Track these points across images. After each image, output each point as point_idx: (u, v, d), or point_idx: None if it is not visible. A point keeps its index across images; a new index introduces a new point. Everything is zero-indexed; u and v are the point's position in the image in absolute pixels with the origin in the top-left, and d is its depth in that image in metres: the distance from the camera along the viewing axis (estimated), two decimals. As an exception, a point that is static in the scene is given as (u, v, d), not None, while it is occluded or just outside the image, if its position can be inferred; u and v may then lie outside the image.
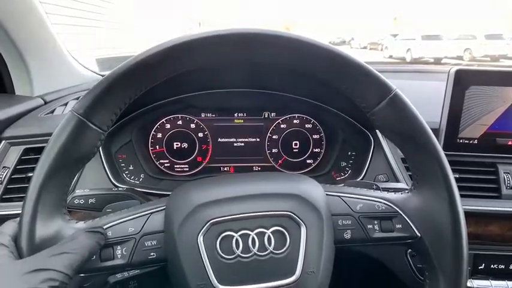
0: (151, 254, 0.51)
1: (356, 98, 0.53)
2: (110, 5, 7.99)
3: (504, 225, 0.86)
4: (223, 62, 0.52)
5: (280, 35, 0.49)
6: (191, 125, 1.00)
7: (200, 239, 0.49)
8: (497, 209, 0.84)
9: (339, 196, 0.57)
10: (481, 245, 0.88)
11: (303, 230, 0.51)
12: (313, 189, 0.56)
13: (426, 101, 0.88)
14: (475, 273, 0.88)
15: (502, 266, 0.88)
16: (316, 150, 1.03)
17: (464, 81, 0.83)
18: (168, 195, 0.56)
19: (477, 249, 0.88)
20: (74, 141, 0.46)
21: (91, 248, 0.46)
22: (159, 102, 0.96)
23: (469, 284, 0.86)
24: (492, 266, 0.88)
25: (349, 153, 0.99)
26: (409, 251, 0.85)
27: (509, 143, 0.86)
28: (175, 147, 1.00)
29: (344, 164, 1.00)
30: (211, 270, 0.48)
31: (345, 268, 0.67)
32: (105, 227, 0.50)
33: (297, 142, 1.03)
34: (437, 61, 11.64)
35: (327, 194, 0.56)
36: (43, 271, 0.39)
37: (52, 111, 0.97)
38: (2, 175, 0.81)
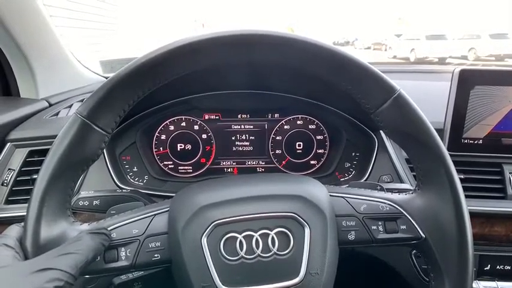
0: (156, 255, 0.51)
1: (360, 99, 0.53)
2: (113, 7, 8.04)
3: (510, 225, 0.86)
4: (227, 63, 0.52)
5: (284, 36, 0.49)
6: (195, 126, 1.00)
7: (204, 240, 0.49)
8: (502, 209, 0.84)
9: (342, 197, 0.57)
10: (486, 245, 0.87)
11: (307, 231, 0.51)
12: (317, 190, 0.56)
13: (430, 101, 0.88)
14: (481, 275, 0.88)
15: (508, 267, 0.87)
16: (320, 151, 1.03)
17: (468, 81, 0.82)
18: (172, 196, 0.56)
19: (483, 250, 0.87)
20: (78, 144, 0.47)
21: (95, 248, 0.46)
22: (162, 104, 0.96)
23: (474, 286, 0.85)
24: (498, 267, 0.88)
25: (353, 153, 0.99)
26: (413, 251, 0.85)
27: (515, 143, 0.85)
28: (179, 149, 1.00)
29: (348, 164, 0.99)
30: (215, 271, 0.48)
31: (349, 269, 0.66)
32: (109, 228, 0.50)
33: (301, 143, 1.03)
34: (442, 61, 11.59)
35: (330, 195, 0.56)
36: (48, 271, 0.39)
37: (57, 114, 0.98)
38: (8, 177, 0.82)
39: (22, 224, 0.47)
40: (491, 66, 0.89)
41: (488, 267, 0.87)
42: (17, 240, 0.45)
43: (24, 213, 0.46)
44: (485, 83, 0.82)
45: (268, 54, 0.51)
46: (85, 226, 0.50)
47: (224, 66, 0.55)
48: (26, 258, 0.44)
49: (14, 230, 0.46)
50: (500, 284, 0.86)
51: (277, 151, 1.03)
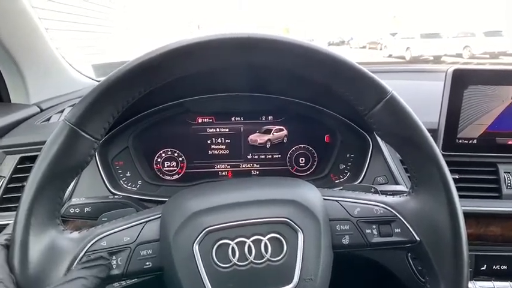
0: (147, 263, 0.50)
1: (352, 101, 0.53)
2: (108, 10, 8.02)
3: (505, 225, 0.85)
4: (220, 66, 0.51)
5: (277, 39, 0.48)
6: (186, 130, 0.99)
7: (196, 247, 0.48)
8: (498, 209, 0.83)
9: (336, 200, 0.56)
10: (482, 245, 0.87)
11: (300, 236, 0.50)
12: (310, 194, 0.55)
13: (425, 101, 0.88)
14: (477, 275, 0.87)
15: (505, 267, 0.87)
16: (314, 153, 1.03)
17: (462, 81, 0.82)
18: (166, 201, 0.56)
19: (479, 250, 0.87)
20: (66, 151, 0.46)
21: (92, 286, 0.44)
22: (155, 107, 0.95)
23: (471, 286, 0.85)
24: (494, 266, 0.87)
25: (347, 155, 0.99)
26: (409, 253, 0.84)
27: (509, 142, 0.85)
28: (170, 152, 0.99)
29: (343, 166, 0.99)
30: (207, 279, 0.47)
31: (344, 272, 0.66)
32: (100, 236, 0.49)
33: (295, 145, 1.02)
34: (437, 59, 11.66)
35: (324, 199, 0.55)
36: None
37: (48, 119, 0.96)
38: (-2, 185, 0.81)
39: (5, 237, 0.46)
40: (485, 64, 0.89)
41: (484, 267, 0.87)
42: (5, 263, 0.43)
43: None
44: (479, 83, 0.82)
45: (261, 57, 0.50)
46: (75, 234, 0.50)
47: (217, 70, 0.54)
48: (15, 281, 0.43)
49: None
50: (497, 284, 0.86)
51: (271, 153, 1.02)
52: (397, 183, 0.86)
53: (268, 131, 1.01)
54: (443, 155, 0.51)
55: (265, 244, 0.49)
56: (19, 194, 0.81)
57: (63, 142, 0.45)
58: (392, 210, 0.55)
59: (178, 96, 0.95)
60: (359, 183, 0.89)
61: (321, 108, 0.98)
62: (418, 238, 0.53)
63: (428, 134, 0.51)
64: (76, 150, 0.47)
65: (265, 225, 0.50)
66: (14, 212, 0.79)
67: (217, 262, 0.48)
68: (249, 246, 0.49)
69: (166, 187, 0.97)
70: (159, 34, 11.25)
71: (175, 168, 1.00)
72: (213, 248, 0.49)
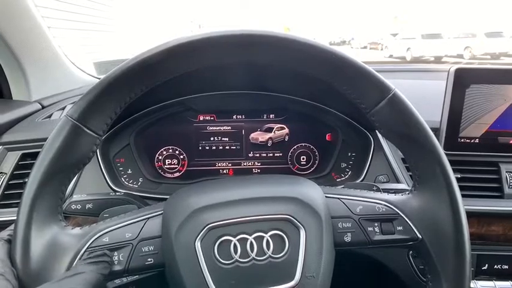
0: (149, 259, 0.50)
1: (355, 99, 0.53)
2: (109, 8, 8.02)
3: (507, 224, 0.85)
4: (222, 63, 0.51)
5: (278, 36, 0.48)
6: (187, 127, 0.99)
7: (198, 244, 0.48)
8: (499, 208, 0.83)
9: (338, 198, 0.56)
10: (484, 245, 0.87)
11: (302, 233, 0.50)
12: (312, 192, 0.55)
13: (427, 100, 0.88)
14: (479, 274, 0.87)
15: (506, 266, 0.87)
16: (316, 151, 1.03)
17: (464, 80, 0.82)
18: (167, 199, 0.56)
19: (480, 250, 0.87)
20: (68, 147, 0.46)
21: (94, 282, 0.44)
22: (157, 105, 0.95)
23: (472, 285, 0.85)
24: (496, 266, 0.87)
25: (349, 154, 0.99)
26: (410, 252, 0.84)
27: (511, 141, 0.85)
28: (171, 150, 0.99)
29: (344, 165, 0.99)
30: (209, 275, 0.47)
31: (346, 270, 0.66)
32: (101, 232, 0.49)
33: (297, 143, 1.02)
34: (438, 60, 11.66)
35: (326, 196, 0.55)
36: None
37: (49, 116, 0.96)
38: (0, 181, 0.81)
39: (8, 233, 0.46)
40: (486, 64, 0.88)
41: (485, 267, 0.87)
42: (7, 258, 0.44)
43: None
44: (481, 82, 0.82)
45: (263, 54, 0.50)
46: (77, 230, 0.50)
47: (219, 67, 0.54)
48: (17, 274, 0.43)
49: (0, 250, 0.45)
50: (498, 283, 0.86)
51: (272, 151, 1.02)
52: (398, 181, 0.86)
53: (270, 130, 1.01)
54: (445, 154, 0.51)
55: (267, 241, 0.49)
56: (20, 191, 0.81)
57: (65, 138, 0.46)
58: (394, 208, 0.55)
59: (179, 94, 0.95)
60: (360, 181, 0.89)
61: (322, 106, 0.98)
62: (420, 236, 0.53)
63: (431, 132, 0.50)
64: (78, 146, 0.47)
65: (267, 222, 0.50)
66: (15, 209, 0.80)
67: (219, 258, 0.48)
68: (251, 243, 0.49)
69: (168, 185, 0.97)
70: (160, 33, 11.26)
71: (177, 166, 1.00)
72: (215, 244, 0.49)
